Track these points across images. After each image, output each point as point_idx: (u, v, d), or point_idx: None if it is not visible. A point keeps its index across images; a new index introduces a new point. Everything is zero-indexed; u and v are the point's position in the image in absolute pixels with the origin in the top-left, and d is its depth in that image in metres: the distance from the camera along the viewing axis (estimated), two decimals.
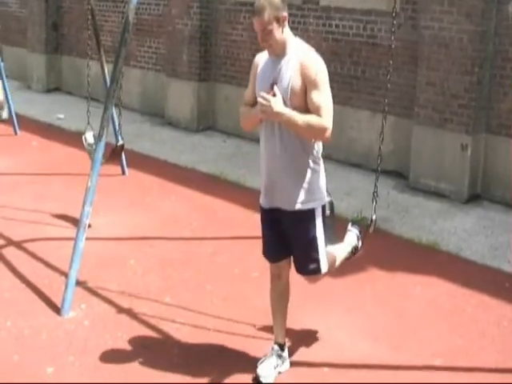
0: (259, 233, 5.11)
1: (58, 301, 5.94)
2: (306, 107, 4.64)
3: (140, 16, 13.62)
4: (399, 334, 5.74)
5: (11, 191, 8.98)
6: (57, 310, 5.86)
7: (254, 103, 4.84)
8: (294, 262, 5.00)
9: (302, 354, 5.35)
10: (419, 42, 9.39)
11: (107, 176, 8.43)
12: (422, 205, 8.90)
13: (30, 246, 7.20)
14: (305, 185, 4.79)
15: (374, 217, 5.69)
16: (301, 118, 4.58)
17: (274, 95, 4.60)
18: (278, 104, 4.57)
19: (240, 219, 8.13)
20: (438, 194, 9.15)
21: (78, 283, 6.12)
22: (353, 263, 5.74)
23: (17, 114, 12.24)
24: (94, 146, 8.15)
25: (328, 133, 4.65)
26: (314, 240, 4.86)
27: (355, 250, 5.51)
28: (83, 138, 8.48)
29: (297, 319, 5.66)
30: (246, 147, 11.25)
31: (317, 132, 4.65)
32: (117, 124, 9.07)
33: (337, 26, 10.52)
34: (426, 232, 7.99)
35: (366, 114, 10.25)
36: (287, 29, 4.74)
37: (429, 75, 9.23)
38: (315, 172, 4.82)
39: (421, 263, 7.18)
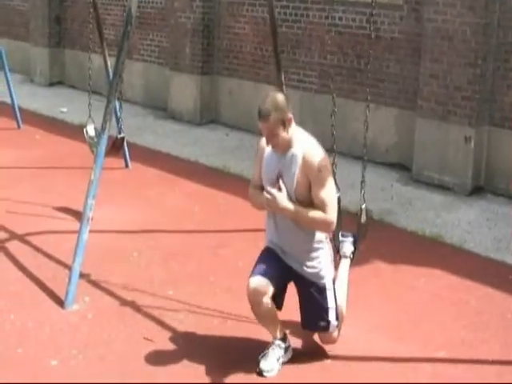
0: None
1: (61, 294, 5.94)
2: (310, 198, 4.76)
3: (142, 9, 13.60)
4: (403, 326, 5.74)
5: (15, 184, 8.98)
6: (60, 302, 5.86)
7: (261, 186, 4.96)
8: (302, 316, 5.11)
9: (305, 346, 5.35)
10: (422, 35, 9.37)
11: (110, 169, 8.44)
12: (425, 197, 8.89)
13: (33, 239, 7.20)
14: (313, 263, 4.94)
15: (363, 206, 5.78)
16: (305, 215, 4.73)
17: (280, 189, 4.72)
18: (282, 200, 4.71)
19: (243, 212, 8.11)
20: (441, 187, 9.14)
21: (82, 276, 6.12)
22: (356, 256, 5.74)
23: (20, 108, 12.25)
24: (95, 139, 8.17)
25: (332, 227, 4.83)
26: (325, 310, 5.01)
27: (353, 255, 5.69)
28: (84, 130, 8.49)
29: (299, 312, 5.66)
30: (249, 140, 11.23)
31: (320, 227, 4.82)
32: (118, 117, 9.09)
33: (340, 18, 10.50)
34: (430, 224, 7.98)
35: (369, 107, 10.21)
36: (293, 125, 4.79)
37: (432, 67, 9.21)
38: (321, 250, 4.97)
39: (424, 255, 7.17)
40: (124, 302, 5.95)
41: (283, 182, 4.77)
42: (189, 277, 6.51)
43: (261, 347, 5.11)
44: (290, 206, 4.72)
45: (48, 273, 6.44)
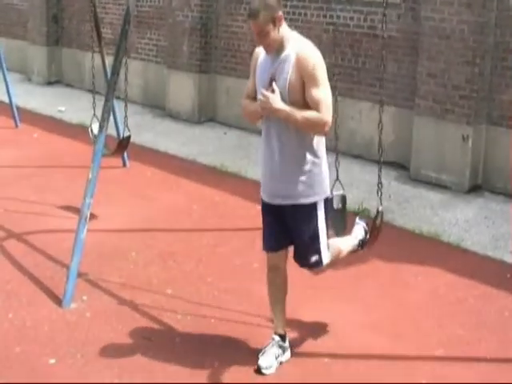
0: (260, 224, 5.12)
1: (59, 293, 5.95)
2: (304, 101, 4.67)
3: (140, 8, 13.60)
4: (400, 324, 5.75)
5: (13, 183, 8.98)
6: (58, 301, 5.87)
7: (255, 96, 4.87)
8: (295, 254, 5.02)
9: (304, 344, 5.35)
10: (420, 33, 9.37)
11: (108, 168, 8.44)
12: (423, 196, 8.90)
13: (31, 238, 7.21)
14: (305, 179, 4.81)
15: (380, 208, 5.61)
16: (300, 114, 4.62)
17: (273, 91, 4.64)
18: (276, 101, 4.62)
19: (241, 211, 8.13)
20: (439, 185, 9.14)
21: (80, 275, 6.12)
22: (354, 254, 5.74)
23: (18, 107, 12.24)
24: None
25: (327, 127, 4.70)
26: (315, 233, 4.88)
27: (362, 243, 5.52)
28: (89, 129, 8.49)
29: (298, 310, 5.67)
30: (246, 139, 11.25)
31: (316, 127, 4.69)
32: (118, 116, 9.08)
33: (338, 17, 10.50)
34: (427, 223, 7.99)
35: (367, 106, 10.24)
36: (284, 26, 4.74)
37: (430, 66, 9.22)
38: (315, 166, 4.83)
39: (422, 254, 7.18)
40: (122, 301, 5.96)
41: (276, 84, 4.68)
42: (187, 276, 6.52)
43: (259, 346, 5.12)
44: (284, 105, 4.62)
45: (46, 272, 6.45)
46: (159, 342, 5.34)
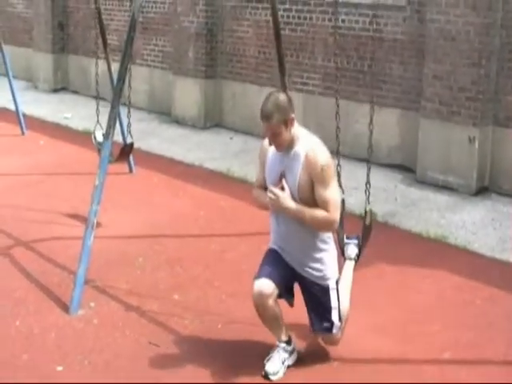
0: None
1: (66, 299, 5.95)
2: (314, 198, 4.77)
3: (146, 14, 13.63)
4: (408, 327, 5.73)
5: (19, 191, 9.00)
6: (66, 308, 5.87)
7: (264, 186, 4.99)
8: (309, 316, 5.11)
9: (311, 348, 5.35)
10: (426, 35, 9.36)
11: (115, 174, 8.44)
12: (429, 198, 8.88)
13: (38, 245, 7.21)
14: (317, 266, 4.95)
15: (367, 208, 5.73)
16: (308, 214, 4.74)
17: (283, 188, 4.75)
18: (286, 199, 4.74)
19: (248, 216, 8.12)
20: (445, 188, 9.13)
21: (87, 282, 6.13)
22: (361, 257, 5.74)
23: (24, 114, 12.27)
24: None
25: (335, 226, 4.86)
26: (328, 309, 5.02)
27: (357, 257, 5.66)
28: (92, 136, 8.50)
29: (305, 314, 5.66)
30: (253, 144, 11.22)
31: (323, 226, 4.83)
32: (124, 123, 9.08)
33: (343, 20, 10.50)
34: (434, 225, 7.97)
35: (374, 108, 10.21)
36: (295, 125, 4.81)
37: (436, 68, 9.20)
38: (326, 252, 4.97)
39: (429, 257, 7.16)
40: (129, 307, 5.96)
41: (286, 181, 4.79)
42: (194, 281, 6.52)
43: (266, 351, 5.11)
44: (292, 205, 4.73)
45: (53, 278, 6.45)
46: (167, 347, 5.34)
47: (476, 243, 7.52)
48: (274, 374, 4.94)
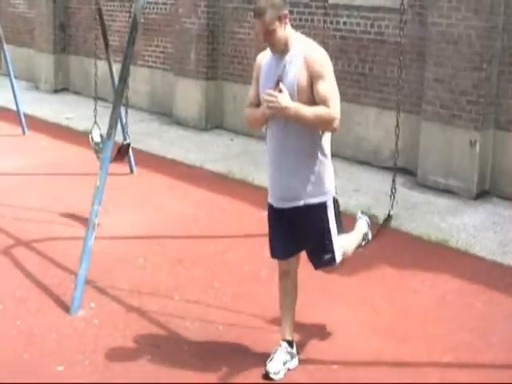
0: (267, 230, 5.11)
1: (67, 300, 5.95)
2: (312, 101, 4.67)
3: (147, 15, 13.64)
4: (408, 330, 5.73)
5: (21, 191, 9.00)
6: (66, 308, 5.87)
7: (258, 104, 4.89)
8: (308, 255, 5.04)
9: (312, 350, 5.34)
10: (427, 39, 9.37)
11: (115, 175, 8.45)
12: (430, 202, 8.88)
13: (39, 245, 7.21)
14: (314, 178, 4.83)
15: (391, 212, 5.72)
16: (309, 111, 4.62)
17: (281, 91, 4.63)
18: (285, 99, 4.61)
19: (248, 217, 8.13)
20: (446, 191, 9.13)
21: (88, 282, 6.12)
22: (361, 260, 5.75)
23: (25, 114, 12.27)
24: (100, 145, 8.19)
25: (336, 123, 4.71)
26: (327, 232, 4.92)
27: (366, 236, 5.56)
28: (90, 136, 8.50)
29: (306, 315, 5.66)
30: (253, 145, 11.25)
31: (325, 123, 4.70)
32: (124, 123, 9.10)
33: (344, 23, 10.51)
34: (435, 229, 7.98)
35: (374, 111, 10.24)
36: (289, 26, 4.77)
37: (437, 72, 9.21)
38: (323, 164, 4.86)
39: (430, 260, 7.16)
40: (130, 308, 5.96)
41: (284, 84, 4.67)
42: (195, 282, 6.51)
43: (267, 353, 5.10)
44: (292, 103, 4.62)
45: (54, 279, 6.45)
46: (167, 348, 5.34)
47: (477, 246, 7.52)
48: (275, 373, 4.93)
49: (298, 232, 4.95)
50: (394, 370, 5.15)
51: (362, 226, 5.56)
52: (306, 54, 4.68)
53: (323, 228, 4.90)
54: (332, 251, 4.94)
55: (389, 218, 5.71)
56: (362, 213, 5.74)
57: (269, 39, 4.72)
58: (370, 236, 5.61)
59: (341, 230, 5.37)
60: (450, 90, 9.08)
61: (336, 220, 5.06)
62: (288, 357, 5.04)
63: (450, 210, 8.62)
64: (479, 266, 7.08)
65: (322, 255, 4.96)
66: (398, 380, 4.98)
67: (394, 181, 5.81)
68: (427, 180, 9.40)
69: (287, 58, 4.73)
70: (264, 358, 5.06)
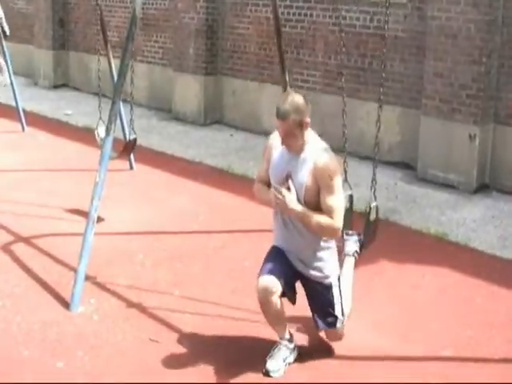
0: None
1: (67, 296, 5.95)
2: (318, 203, 4.75)
3: (146, 10, 13.63)
4: (408, 324, 5.73)
5: (20, 187, 8.99)
6: (66, 304, 5.87)
7: (267, 181, 4.98)
8: (312, 316, 5.12)
9: (310, 346, 5.34)
10: (426, 33, 9.36)
11: (115, 171, 8.45)
12: (430, 196, 8.89)
13: (39, 241, 7.21)
14: (319, 264, 4.96)
15: (373, 204, 5.70)
16: (313, 218, 4.72)
17: (289, 189, 4.72)
18: (292, 201, 4.71)
19: (248, 212, 8.12)
20: (446, 185, 9.13)
21: (87, 278, 6.12)
22: (361, 254, 5.73)
23: (24, 111, 12.27)
24: None
25: (338, 234, 4.86)
26: (331, 304, 5.04)
27: (357, 253, 5.66)
28: (96, 132, 8.48)
29: (305, 311, 5.66)
30: (253, 141, 11.24)
31: (326, 232, 4.83)
32: (124, 119, 9.09)
33: (344, 17, 10.49)
34: (435, 223, 7.98)
35: (374, 106, 10.21)
36: (308, 130, 4.80)
37: (436, 66, 9.20)
38: (327, 250, 4.98)
39: (429, 254, 7.16)
40: (130, 304, 5.96)
41: (292, 182, 4.77)
42: (194, 278, 6.52)
43: (267, 348, 5.10)
44: (298, 207, 4.72)
45: (54, 275, 6.45)
46: (167, 343, 5.33)
47: (476, 241, 7.52)
48: (275, 371, 4.93)
49: (295, 282, 5.05)
50: (394, 365, 5.14)
51: (349, 249, 5.63)
52: (316, 162, 4.72)
53: (327, 300, 5.04)
54: (335, 316, 5.05)
55: (370, 210, 5.71)
56: (347, 234, 5.68)
57: (287, 142, 4.76)
58: (362, 242, 5.68)
59: (349, 225, 5.47)
60: (449, 83, 9.08)
61: (347, 215, 5.18)
62: (287, 353, 5.04)
63: (450, 204, 8.61)
64: (479, 260, 7.08)
65: (324, 319, 5.06)
66: (397, 375, 4.98)
67: (374, 173, 5.81)
68: (427, 174, 9.39)
69: (300, 158, 4.78)
70: (264, 353, 5.05)
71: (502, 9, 8.83)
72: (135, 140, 8.44)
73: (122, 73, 6.12)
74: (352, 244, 5.64)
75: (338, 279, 5.06)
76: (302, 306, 5.22)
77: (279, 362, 4.98)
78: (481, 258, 7.15)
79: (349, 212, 5.52)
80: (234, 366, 5.03)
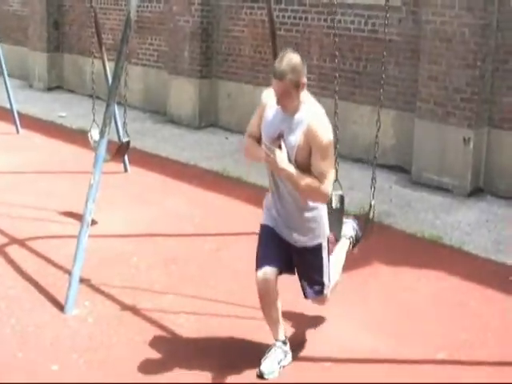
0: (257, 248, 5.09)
1: (61, 298, 5.94)
2: (309, 164, 4.72)
3: (141, 13, 13.62)
4: (402, 328, 5.74)
5: (15, 189, 8.98)
6: (61, 307, 5.86)
7: (258, 137, 4.95)
8: (301, 285, 5.11)
9: (305, 348, 5.35)
10: (421, 36, 9.38)
11: (110, 173, 8.45)
12: (424, 199, 8.90)
13: (33, 243, 7.20)
14: (310, 224, 4.93)
15: (372, 202, 5.73)
16: (302, 180, 4.68)
17: (280, 147, 4.68)
18: (283, 160, 4.66)
19: (243, 215, 8.13)
20: (440, 188, 9.14)
21: (82, 280, 6.11)
22: (355, 257, 5.75)
23: (18, 113, 12.24)
24: None
25: (326, 199, 4.83)
26: (320, 269, 5.03)
27: (354, 239, 5.66)
28: (89, 135, 8.47)
29: (300, 313, 5.67)
30: None
31: (315, 196, 4.79)
32: (118, 121, 9.08)
33: (338, 21, 10.50)
34: (429, 226, 7.99)
35: (368, 109, 10.23)
36: (304, 91, 4.77)
37: (431, 69, 9.22)
38: (318, 210, 4.95)
39: (424, 257, 7.17)
40: (124, 306, 5.95)
41: (284, 142, 4.72)
42: (189, 280, 6.51)
43: (261, 350, 5.10)
44: (288, 167, 4.66)
45: (48, 277, 6.44)
46: (161, 346, 5.33)
47: (471, 244, 7.53)
48: (269, 373, 4.93)
49: (292, 256, 5.03)
50: (388, 367, 5.15)
51: (347, 232, 5.64)
52: (310, 124, 4.68)
53: (316, 266, 5.03)
54: (322, 284, 5.06)
55: (370, 208, 5.73)
56: (348, 217, 5.74)
57: (282, 101, 4.72)
58: (359, 235, 5.68)
59: (340, 226, 5.46)
60: (443, 87, 9.09)
61: (338, 216, 5.12)
62: (282, 355, 5.03)
63: (444, 207, 8.63)
64: (473, 264, 7.09)
65: (312, 287, 5.07)
66: (391, 377, 4.98)
67: (373, 172, 5.84)
68: (421, 177, 9.41)
69: (294, 119, 4.74)
70: (259, 355, 5.05)
71: (496, 13, 8.85)
72: (128, 143, 8.44)
73: (116, 75, 6.12)
74: (349, 228, 5.65)
75: (328, 241, 5.04)
76: (298, 311, 5.22)
77: (274, 363, 4.98)
78: (475, 261, 7.16)
79: (340, 213, 5.52)
80: (229, 368, 5.03)
